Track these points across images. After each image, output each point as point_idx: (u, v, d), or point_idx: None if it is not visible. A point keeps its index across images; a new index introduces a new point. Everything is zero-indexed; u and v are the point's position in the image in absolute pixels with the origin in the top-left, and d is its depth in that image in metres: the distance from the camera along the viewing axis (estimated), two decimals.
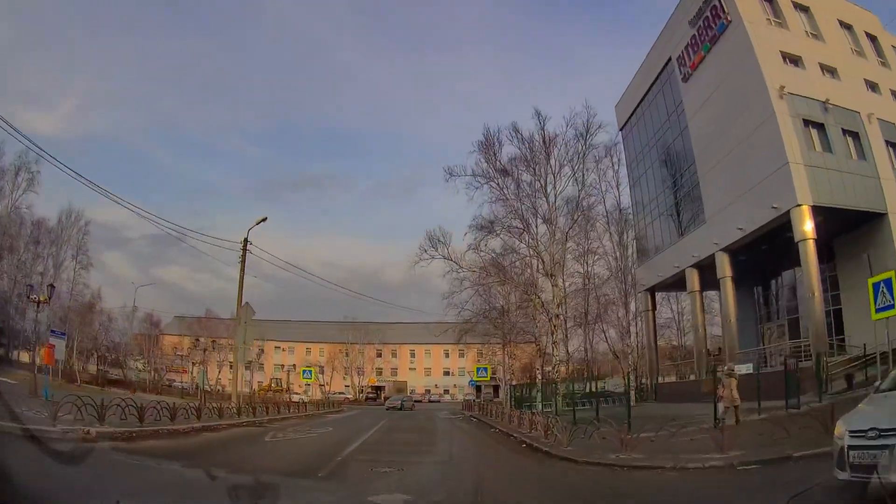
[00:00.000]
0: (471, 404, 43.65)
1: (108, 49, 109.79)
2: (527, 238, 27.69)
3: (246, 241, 26.95)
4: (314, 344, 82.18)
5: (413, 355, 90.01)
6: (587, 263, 31.76)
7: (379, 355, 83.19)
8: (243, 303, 26.09)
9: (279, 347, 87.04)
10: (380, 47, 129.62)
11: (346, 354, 79.58)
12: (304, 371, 38.17)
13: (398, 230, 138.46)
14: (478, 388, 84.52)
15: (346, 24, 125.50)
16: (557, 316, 27.20)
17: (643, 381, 34.46)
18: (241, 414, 22.17)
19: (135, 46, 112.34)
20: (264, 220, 27.42)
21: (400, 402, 48.01)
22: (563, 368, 27.91)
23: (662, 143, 34.64)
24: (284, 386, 72.77)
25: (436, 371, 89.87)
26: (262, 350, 77.48)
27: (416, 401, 74.38)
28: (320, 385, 79.38)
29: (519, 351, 46.63)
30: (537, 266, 28.41)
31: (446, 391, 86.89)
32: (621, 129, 38.61)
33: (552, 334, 26.90)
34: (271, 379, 73.24)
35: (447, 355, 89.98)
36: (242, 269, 26.57)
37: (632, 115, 37.73)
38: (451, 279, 29.95)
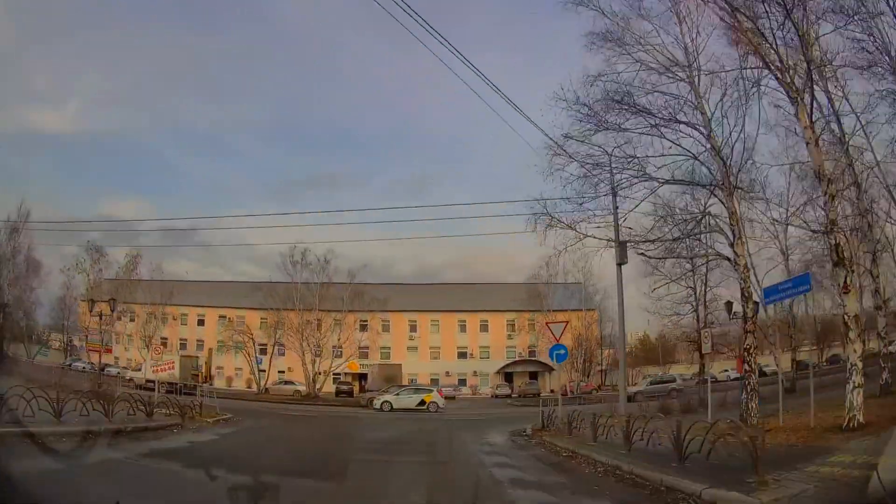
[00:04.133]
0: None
1: (115, 46, 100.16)
2: None
3: None
4: (267, 312, 54.19)
5: (413, 329, 62.56)
6: None
7: (364, 328, 56.02)
8: None
9: (224, 317, 60.85)
10: (393, 45, 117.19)
11: (318, 327, 52.42)
12: None
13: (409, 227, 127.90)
14: (507, 377, 58.10)
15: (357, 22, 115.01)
16: None
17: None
18: None
19: (142, 44, 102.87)
20: None
21: None
22: None
23: None
24: (204, 371, 47.24)
25: (447, 352, 62.13)
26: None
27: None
28: (283, 373, 54.12)
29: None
30: None
31: (462, 381, 59.50)
32: None
33: None
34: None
35: (463, 328, 62.60)
36: None
37: None
38: None
